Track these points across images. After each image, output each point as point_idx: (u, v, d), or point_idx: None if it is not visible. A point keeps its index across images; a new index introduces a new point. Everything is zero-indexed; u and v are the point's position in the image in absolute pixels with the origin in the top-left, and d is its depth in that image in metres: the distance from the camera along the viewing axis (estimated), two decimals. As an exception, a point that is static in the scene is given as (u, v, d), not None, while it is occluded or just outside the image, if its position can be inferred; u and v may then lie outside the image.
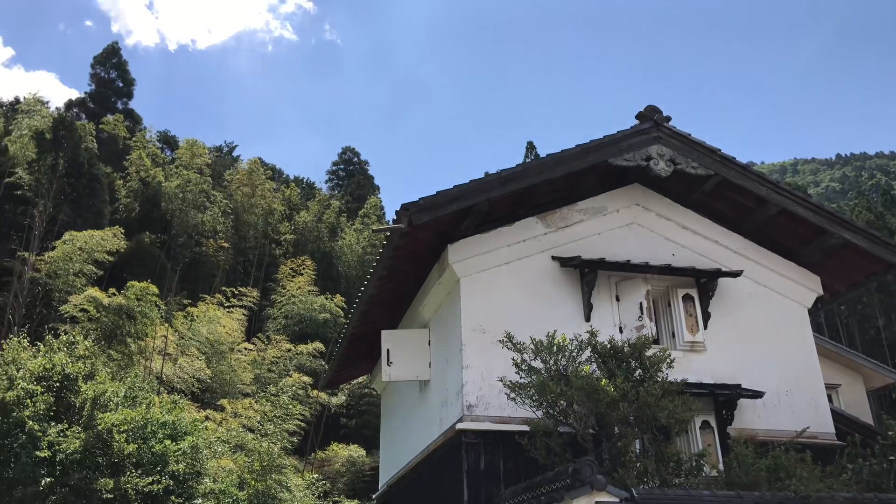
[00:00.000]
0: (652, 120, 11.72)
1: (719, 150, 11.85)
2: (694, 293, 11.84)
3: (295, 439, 27.77)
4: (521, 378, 9.14)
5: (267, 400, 26.22)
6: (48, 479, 13.04)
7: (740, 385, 11.04)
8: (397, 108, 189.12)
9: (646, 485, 7.96)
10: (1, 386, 14.03)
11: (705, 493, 7.54)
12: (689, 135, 11.79)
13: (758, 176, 12.11)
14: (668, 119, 11.83)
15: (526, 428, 9.17)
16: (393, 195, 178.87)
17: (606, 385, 8.35)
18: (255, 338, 42.30)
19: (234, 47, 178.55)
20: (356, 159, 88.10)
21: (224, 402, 28.11)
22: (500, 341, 9.62)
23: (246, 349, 39.48)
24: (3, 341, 20.25)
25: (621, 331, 11.25)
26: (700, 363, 11.34)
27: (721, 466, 9.46)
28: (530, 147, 67.96)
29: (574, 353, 9.03)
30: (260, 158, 69.50)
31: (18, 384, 13.90)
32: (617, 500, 6.90)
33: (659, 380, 8.72)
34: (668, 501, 7.22)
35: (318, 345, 40.01)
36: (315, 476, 27.41)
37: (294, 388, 31.09)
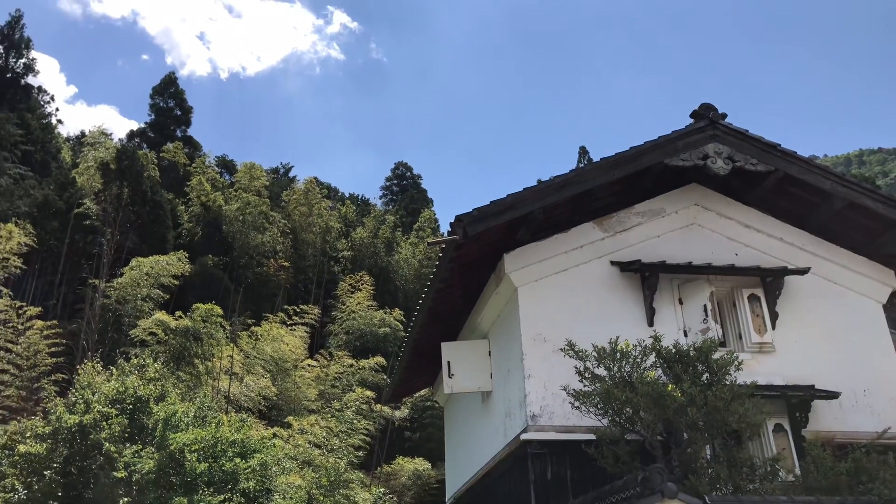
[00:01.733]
0: (707, 118, 11.48)
1: (779, 145, 11.53)
2: (760, 293, 11.51)
3: (361, 454, 27.99)
4: (584, 386, 9.02)
5: (332, 416, 26.51)
6: (126, 500, 13.42)
7: (813, 386, 10.67)
8: (446, 121, 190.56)
9: (718, 491, 7.75)
10: (78, 409, 14.54)
11: (782, 499, 7.30)
12: (747, 131, 11.50)
13: (821, 169, 11.74)
14: (724, 116, 11.58)
15: (592, 437, 9.04)
16: (446, 208, 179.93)
17: (673, 390, 8.17)
18: (317, 354, 42.88)
19: (284, 70, 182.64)
20: (409, 174, 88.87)
21: (290, 418, 28.53)
22: (561, 350, 9.52)
23: (309, 366, 40.05)
24: (78, 366, 21.03)
25: (686, 334, 11.01)
26: (769, 365, 11.01)
27: (797, 471, 9.14)
28: (583, 152, 67.42)
29: (638, 359, 8.88)
30: (315, 178, 70.74)
31: (95, 407, 14.38)
32: (690, 508, 6.74)
33: (727, 383, 8.49)
34: (743, 509, 7.01)
35: (380, 359, 40.30)
36: (381, 490, 27.53)
37: (358, 402, 31.35)
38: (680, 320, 11.24)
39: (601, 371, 8.98)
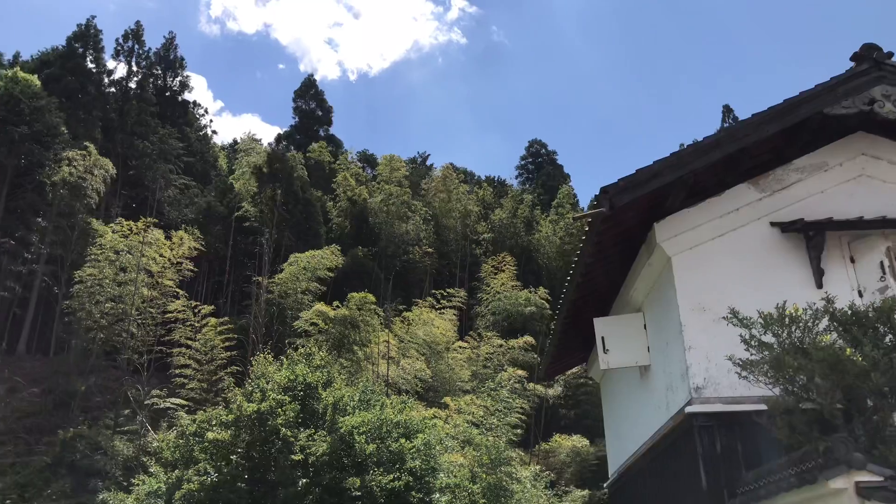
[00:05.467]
0: (871, 59, 10.52)
1: (959, 80, 10.38)
2: (944, 243, 10.46)
3: (518, 431, 28.27)
4: (751, 355, 8.61)
5: (487, 395, 26.95)
6: (304, 481, 14.36)
7: None
8: (574, 96, 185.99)
9: (912, 461, 7.16)
10: (255, 398, 15.68)
11: None
12: (919, 68, 10.45)
13: None
14: (891, 55, 10.57)
15: (763, 407, 8.62)
16: (584, 182, 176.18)
17: (852, 355, 7.63)
18: (467, 336, 43.67)
19: (409, 61, 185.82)
20: (544, 151, 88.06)
21: (447, 399, 29.28)
22: (723, 318, 9.13)
23: (460, 347, 40.88)
24: (251, 358, 22.63)
25: (861, 294, 10.22)
26: (962, 322, 9.99)
27: None
28: (727, 110, 64.02)
29: (809, 324, 8.35)
30: (451, 164, 71.77)
31: (270, 395, 15.46)
32: (881, 478, 6.29)
33: (915, 344, 7.81)
34: (944, 479, 6.45)
35: (529, 338, 40.45)
36: (539, 467, 27.70)
37: (511, 381, 31.65)
38: (853, 280, 10.45)
39: (769, 338, 8.53)
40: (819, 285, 10.31)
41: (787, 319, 8.40)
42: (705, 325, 10.13)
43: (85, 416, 36.22)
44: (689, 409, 9.77)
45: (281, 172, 52.75)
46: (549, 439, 36.74)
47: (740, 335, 8.74)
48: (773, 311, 8.60)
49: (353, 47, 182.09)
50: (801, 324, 8.36)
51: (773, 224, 10.76)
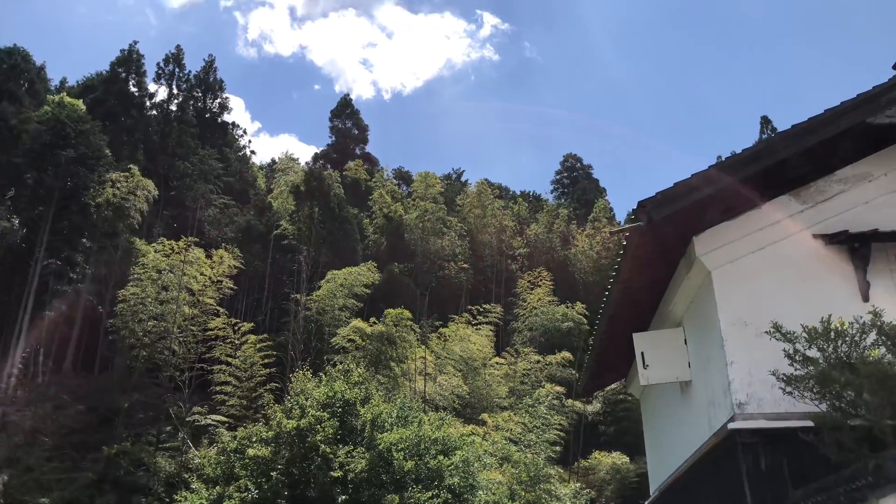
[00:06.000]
0: (915, 66, 10.32)
1: None
2: None
3: (557, 448, 28.01)
4: (795, 370, 8.43)
5: (525, 411, 26.78)
6: (343, 497, 14.44)
7: None
8: (608, 110, 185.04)
9: (969, 480, 6.92)
10: (295, 414, 15.84)
11: None
12: (965, 75, 10.20)
13: None
14: (935, 62, 10.34)
15: (809, 423, 8.42)
16: (620, 196, 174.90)
17: (902, 370, 7.42)
18: (504, 352, 43.50)
19: (442, 79, 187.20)
20: (579, 165, 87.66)
21: (485, 415, 29.18)
22: (766, 332, 8.96)
23: (497, 363, 40.72)
24: (291, 375, 22.84)
25: (909, 307, 9.94)
26: None
27: None
28: (765, 122, 63.03)
29: (856, 338, 8.14)
30: (486, 179, 71.92)
31: (309, 412, 15.60)
32: (935, 498, 6.10)
33: (968, 359, 7.58)
34: None
35: (566, 354, 40.12)
36: (579, 485, 27.39)
37: (549, 398, 31.42)
38: (901, 292, 10.17)
39: (813, 353, 8.34)
40: (865, 298, 10.06)
41: (832, 333, 8.21)
42: (747, 340, 9.94)
43: (128, 432, 36.86)
44: (731, 426, 9.58)
45: (318, 191, 53.41)
46: (589, 456, 36.31)
47: (784, 350, 8.56)
48: (817, 325, 8.42)
49: (386, 67, 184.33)
50: (847, 338, 8.16)
51: (815, 236, 10.54)
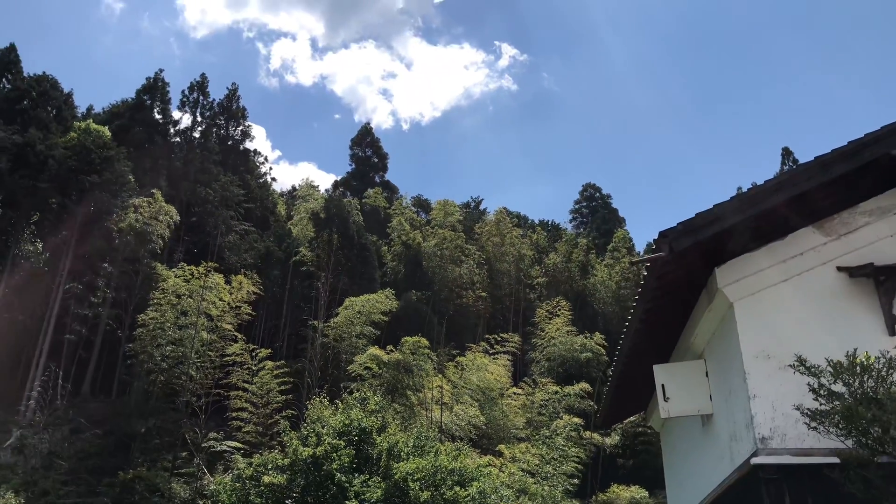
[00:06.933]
0: (939, 99, 10.25)
1: None
2: None
3: (575, 481, 27.62)
4: (820, 405, 8.28)
5: (542, 443, 26.48)
6: (358, 527, 14.28)
7: None
8: (627, 140, 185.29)
9: None
10: (311, 442, 15.76)
11: None
12: None
13: None
14: (961, 94, 10.26)
15: (835, 460, 8.25)
16: (639, 226, 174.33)
17: (930, 406, 7.27)
18: (521, 382, 43.16)
19: (461, 108, 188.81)
20: (598, 194, 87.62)
21: (501, 446, 28.88)
22: (789, 366, 8.83)
23: (515, 394, 40.40)
24: (307, 402, 22.79)
25: (937, 342, 9.75)
26: None
27: None
28: (786, 153, 62.81)
29: (883, 373, 8.00)
30: (505, 208, 71.92)
31: (325, 440, 15.51)
32: (967, 540, 5.92)
33: None
34: None
35: (585, 385, 39.75)
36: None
37: (566, 429, 31.07)
38: (928, 327, 9.99)
39: (839, 387, 8.20)
40: (892, 332, 9.89)
41: (858, 368, 8.08)
42: (770, 373, 9.80)
43: (144, 457, 36.86)
44: (754, 461, 9.41)
45: (337, 218, 53.74)
46: (607, 490, 35.73)
47: (808, 384, 8.43)
48: (842, 359, 8.29)
49: (405, 97, 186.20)
50: (873, 373, 8.02)
51: (840, 269, 10.42)
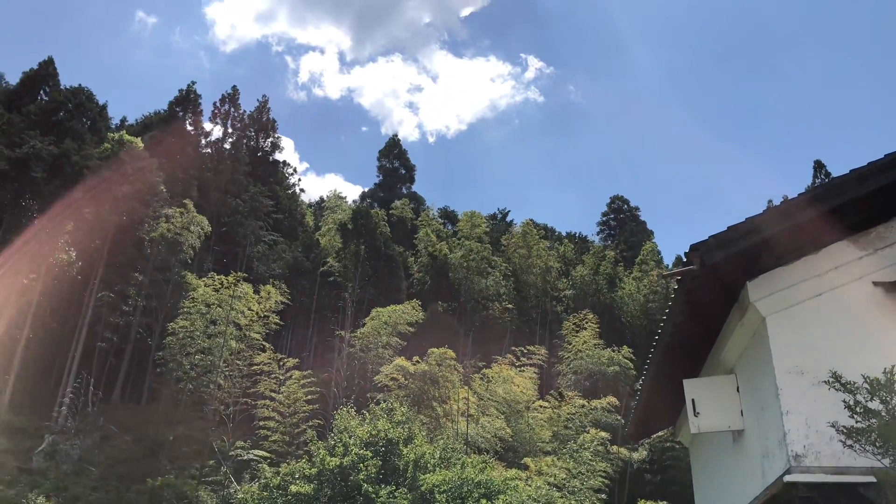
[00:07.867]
0: (979, 111, 10.06)
1: None
2: None
3: (602, 496, 27.33)
4: (856, 422, 8.13)
5: (569, 457, 26.24)
6: (384, 538, 14.26)
7: None
8: (657, 150, 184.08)
9: None
10: (338, 452, 15.81)
11: None
12: None
13: None
14: None
15: (871, 479, 8.08)
16: (668, 239, 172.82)
17: (971, 425, 7.10)
18: (548, 395, 42.86)
19: (488, 120, 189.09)
20: (626, 207, 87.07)
21: (527, 459, 28.68)
22: (823, 382, 8.68)
23: (541, 407, 40.13)
24: (334, 412, 22.86)
25: (976, 360, 9.53)
26: None
27: None
28: (818, 166, 61.80)
29: (921, 390, 7.84)
30: (532, 220, 71.70)
31: (352, 450, 15.55)
32: None
33: None
34: None
35: (612, 399, 39.36)
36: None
37: (593, 444, 30.78)
38: (967, 344, 9.76)
39: (875, 404, 8.04)
40: (929, 349, 9.69)
41: (895, 385, 7.92)
42: (804, 390, 9.63)
43: (172, 465, 37.21)
44: (787, 479, 9.23)
45: (365, 228, 54.03)
46: (634, 505, 35.27)
47: (843, 401, 8.28)
48: (879, 375, 8.13)
49: (431, 110, 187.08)
50: (911, 390, 7.86)
51: (876, 284, 10.23)
